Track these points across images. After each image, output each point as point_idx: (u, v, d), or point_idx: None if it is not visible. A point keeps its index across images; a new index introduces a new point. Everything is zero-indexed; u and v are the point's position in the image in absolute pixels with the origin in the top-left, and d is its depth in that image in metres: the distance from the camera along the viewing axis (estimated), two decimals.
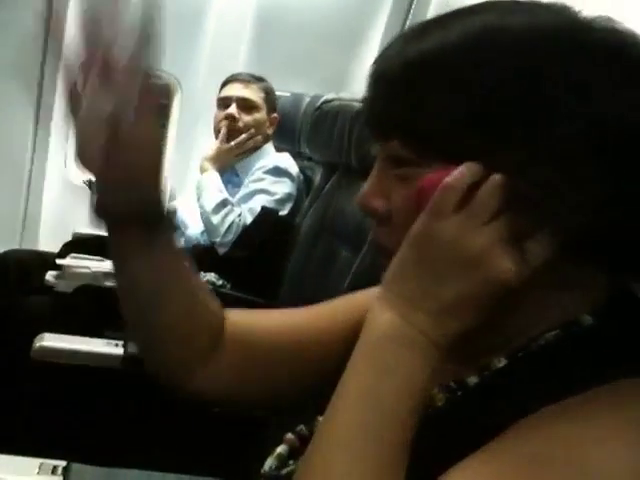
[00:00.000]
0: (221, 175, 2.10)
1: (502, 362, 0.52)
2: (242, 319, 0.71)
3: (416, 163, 0.51)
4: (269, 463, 0.61)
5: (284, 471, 0.60)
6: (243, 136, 2.11)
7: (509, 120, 0.47)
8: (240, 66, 2.57)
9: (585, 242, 0.48)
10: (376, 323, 0.49)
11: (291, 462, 0.60)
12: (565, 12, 0.50)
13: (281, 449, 0.61)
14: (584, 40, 0.48)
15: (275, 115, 2.18)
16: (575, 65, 0.47)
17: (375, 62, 0.55)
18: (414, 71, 0.51)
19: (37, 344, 1.28)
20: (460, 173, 0.47)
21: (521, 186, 0.47)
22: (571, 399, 0.45)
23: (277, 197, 2.00)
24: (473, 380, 0.52)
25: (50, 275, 1.67)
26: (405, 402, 0.47)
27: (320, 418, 0.62)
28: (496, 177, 0.47)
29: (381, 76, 0.54)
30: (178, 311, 0.64)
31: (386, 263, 0.54)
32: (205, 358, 0.67)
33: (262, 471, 0.61)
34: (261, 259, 1.90)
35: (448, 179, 0.47)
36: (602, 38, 0.48)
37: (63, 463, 0.91)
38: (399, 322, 0.48)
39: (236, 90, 2.14)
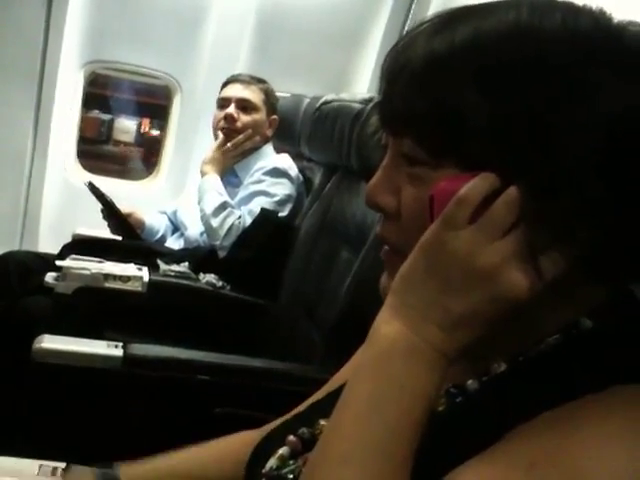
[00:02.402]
0: (220, 176, 2.10)
1: (502, 367, 0.51)
2: None
3: (429, 164, 0.49)
4: (271, 463, 0.60)
5: (285, 470, 0.59)
6: (240, 137, 2.11)
7: (531, 130, 0.45)
8: (240, 67, 2.57)
9: (592, 256, 0.47)
10: (383, 333, 0.48)
11: (291, 462, 0.60)
12: (602, 17, 0.48)
13: (283, 450, 0.61)
14: (616, 49, 0.47)
15: (274, 117, 2.19)
16: (604, 74, 0.46)
17: (395, 50, 0.52)
18: (439, 66, 0.48)
19: (37, 345, 1.27)
20: (475, 185, 0.46)
21: (536, 200, 0.45)
22: (570, 405, 0.44)
23: (276, 199, 2.00)
24: (473, 386, 0.52)
25: (50, 276, 1.66)
26: (411, 415, 0.46)
27: (322, 422, 0.62)
28: (513, 190, 0.45)
29: (403, 67, 0.50)
30: None
31: (389, 258, 0.53)
32: None
33: (263, 471, 0.60)
34: (261, 261, 1.90)
35: (462, 192, 0.46)
36: (634, 47, 0.47)
37: (63, 464, 0.90)
38: (407, 334, 0.47)
39: (236, 91, 2.15)
